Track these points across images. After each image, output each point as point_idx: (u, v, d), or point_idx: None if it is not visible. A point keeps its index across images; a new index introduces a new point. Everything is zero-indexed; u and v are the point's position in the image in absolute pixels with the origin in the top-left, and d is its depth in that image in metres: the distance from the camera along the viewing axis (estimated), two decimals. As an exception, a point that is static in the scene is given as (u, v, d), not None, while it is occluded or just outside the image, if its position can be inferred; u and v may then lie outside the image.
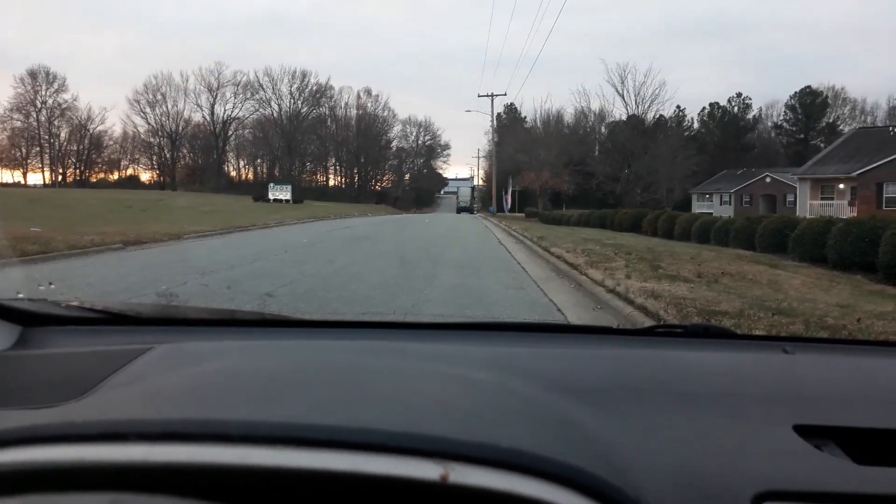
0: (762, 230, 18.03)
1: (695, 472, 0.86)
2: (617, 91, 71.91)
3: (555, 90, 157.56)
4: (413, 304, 7.51)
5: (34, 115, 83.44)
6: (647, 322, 6.31)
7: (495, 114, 77.38)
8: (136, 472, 0.74)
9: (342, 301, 7.66)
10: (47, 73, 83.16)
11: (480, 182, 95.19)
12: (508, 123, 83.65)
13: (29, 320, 1.37)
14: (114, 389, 1.01)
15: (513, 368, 1.16)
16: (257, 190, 66.73)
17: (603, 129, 77.08)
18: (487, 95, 69.17)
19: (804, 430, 0.99)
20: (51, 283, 7.88)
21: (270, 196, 62.06)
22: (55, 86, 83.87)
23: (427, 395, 0.97)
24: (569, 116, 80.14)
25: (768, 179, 54.32)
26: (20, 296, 1.44)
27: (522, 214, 57.15)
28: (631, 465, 0.85)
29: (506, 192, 71.30)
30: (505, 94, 77.20)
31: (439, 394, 0.98)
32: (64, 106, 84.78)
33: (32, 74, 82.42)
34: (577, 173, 65.07)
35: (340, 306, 7.31)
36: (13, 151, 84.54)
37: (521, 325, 1.69)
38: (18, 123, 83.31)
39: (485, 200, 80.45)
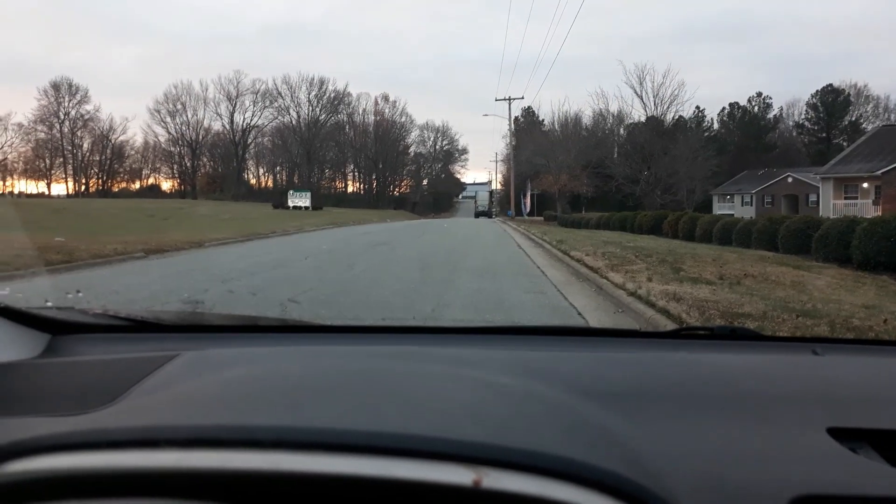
0: (785, 231, 17.80)
1: (728, 477, 0.86)
2: (635, 92, 71.55)
3: (572, 93, 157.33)
4: (432, 309, 7.50)
5: (57, 127, 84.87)
6: (670, 325, 6.26)
7: (513, 117, 77.56)
8: (168, 479, 0.75)
9: (362, 306, 7.67)
10: (70, 85, 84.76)
11: (499, 186, 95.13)
12: (526, 127, 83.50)
13: (57, 328, 1.38)
14: (143, 396, 1.02)
15: (538, 373, 1.16)
16: (277, 197, 67.19)
17: (622, 131, 76.65)
18: (505, 99, 69.34)
19: (838, 433, 0.97)
20: (78, 292, 7.95)
21: (290, 203, 62.49)
22: (78, 97, 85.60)
23: (456, 401, 0.96)
24: (587, 119, 79.87)
25: (790, 179, 53.67)
26: (48, 304, 1.45)
27: (541, 218, 57.02)
28: (663, 469, 0.84)
29: (524, 196, 71.21)
30: (522, 98, 77.58)
31: (468, 399, 0.98)
32: (86, 117, 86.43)
33: (55, 86, 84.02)
34: (595, 175, 64.78)
35: (360, 312, 7.32)
36: (37, 162, 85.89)
37: (544, 328, 1.68)
38: (42, 135, 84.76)
39: (503, 204, 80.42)
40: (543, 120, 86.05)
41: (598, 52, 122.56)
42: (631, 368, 1.26)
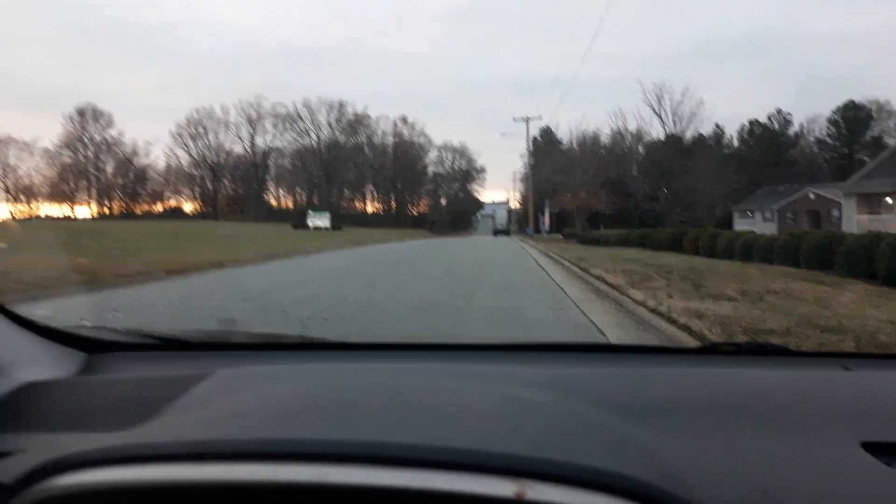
0: (807, 246, 17.61)
1: (765, 491, 0.86)
2: (654, 110, 71.56)
3: (590, 112, 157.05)
4: (452, 326, 7.50)
5: (82, 151, 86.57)
6: (692, 342, 6.22)
7: (531, 137, 77.67)
8: (216, 491, 0.77)
9: (382, 324, 7.68)
10: (94, 111, 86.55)
11: (517, 205, 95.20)
12: (544, 146, 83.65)
13: (93, 347, 1.40)
14: (181, 413, 1.04)
15: (570, 389, 1.17)
16: (296, 218, 67.72)
17: (640, 149, 76.54)
18: (522, 119, 69.46)
19: (872, 448, 0.97)
20: (116, 311, 8.04)
21: (309, 223, 62.94)
22: (102, 122, 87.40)
23: (494, 415, 0.97)
24: (605, 137, 79.94)
25: (812, 195, 53.04)
26: (85, 323, 1.48)
27: (560, 236, 56.80)
28: (700, 483, 0.85)
29: (542, 214, 71.13)
30: (540, 118, 77.47)
31: (506, 414, 0.99)
32: (110, 141, 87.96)
33: (81, 112, 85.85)
34: (614, 193, 64.62)
35: (381, 329, 7.33)
36: (62, 186, 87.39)
37: (571, 345, 1.68)
38: (67, 159, 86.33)
39: (521, 222, 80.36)
40: (562, 139, 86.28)
41: (616, 72, 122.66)
42: (662, 384, 1.26)
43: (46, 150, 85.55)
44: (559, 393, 1.13)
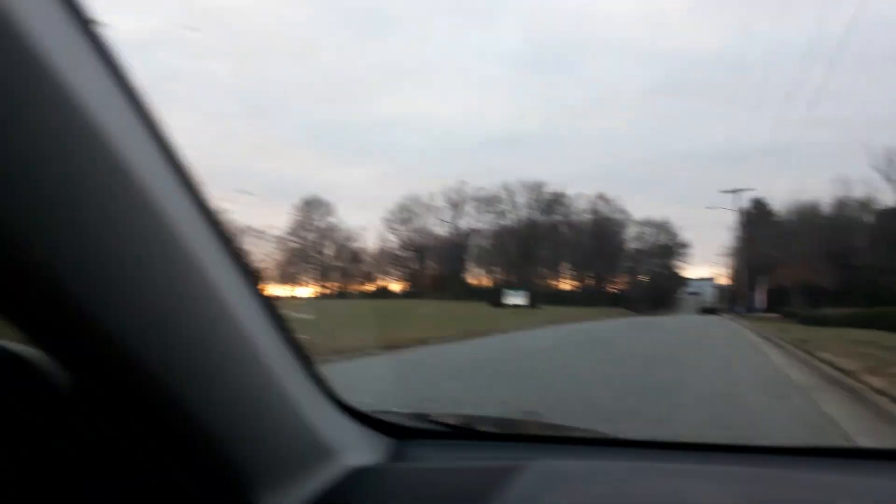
0: None
1: None
2: (883, 176, 65.03)
3: (807, 180, 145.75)
4: (663, 414, 7.23)
5: (306, 237, 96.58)
6: None
7: (741, 210, 73.77)
8: None
9: (588, 408, 7.55)
10: (318, 201, 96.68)
11: (725, 281, 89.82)
12: (756, 217, 78.61)
13: (396, 434, 1.41)
14: None
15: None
16: (494, 295, 68.87)
17: (868, 219, 69.56)
18: (730, 191, 66.21)
19: None
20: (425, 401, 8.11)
21: (506, 301, 63.68)
22: (323, 211, 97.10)
23: None
24: (825, 207, 73.71)
25: None
26: (393, 409, 1.50)
27: (776, 315, 52.54)
28: None
29: (755, 291, 66.42)
30: (753, 189, 73.40)
31: None
32: (331, 228, 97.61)
33: (307, 203, 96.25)
34: (838, 267, 59.00)
35: (586, 415, 7.21)
36: (289, 268, 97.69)
37: (856, 450, 1.55)
38: (294, 244, 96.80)
39: (730, 300, 75.54)
40: (775, 211, 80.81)
41: (836, 136, 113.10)
42: None
43: (277, 237, 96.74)
44: None
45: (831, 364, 11.49)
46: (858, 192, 72.24)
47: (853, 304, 47.57)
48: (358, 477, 1.15)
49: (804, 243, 61.43)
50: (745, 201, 79.89)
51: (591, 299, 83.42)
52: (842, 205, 71.75)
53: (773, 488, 1.15)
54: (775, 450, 1.46)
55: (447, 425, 1.51)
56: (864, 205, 70.01)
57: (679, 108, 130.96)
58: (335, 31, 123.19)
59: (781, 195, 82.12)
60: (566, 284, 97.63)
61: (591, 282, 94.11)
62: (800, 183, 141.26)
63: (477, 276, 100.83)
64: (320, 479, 1.09)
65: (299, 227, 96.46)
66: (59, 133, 0.49)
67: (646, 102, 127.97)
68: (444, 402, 7.70)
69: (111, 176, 0.56)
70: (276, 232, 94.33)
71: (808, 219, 70.88)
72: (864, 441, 6.01)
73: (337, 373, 10.62)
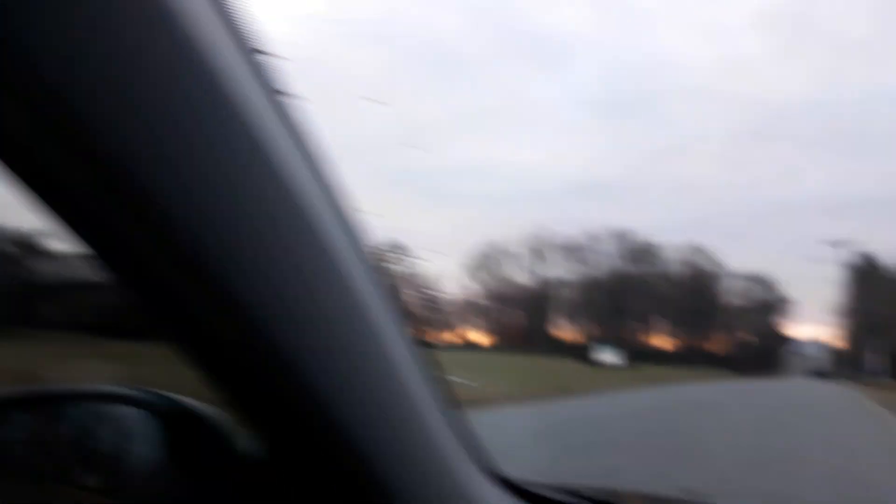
0: None
1: None
2: None
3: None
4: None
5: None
6: None
7: (847, 263, 69.51)
8: None
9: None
10: (397, 245, 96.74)
11: (834, 341, 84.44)
12: (866, 273, 73.84)
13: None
14: None
15: None
16: (582, 351, 66.38)
17: None
18: (832, 244, 62.46)
19: None
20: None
21: (597, 358, 61.11)
22: (398, 253, 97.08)
23: None
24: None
25: None
26: (542, 481, 1.35)
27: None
28: None
29: (868, 352, 61.85)
30: (855, 241, 69.19)
31: None
32: (408, 273, 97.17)
33: (391, 246, 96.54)
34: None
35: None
36: None
37: None
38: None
39: (841, 363, 70.76)
40: (887, 264, 75.65)
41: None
42: None
43: None
44: None
45: None
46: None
47: None
48: None
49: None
50: (848, 255, 75.60)
51: (688, 358, 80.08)
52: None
53: None
54: None
55: (584, 498, 1.37)
56: None
57: (774, 152, 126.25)
58: (408, 72, 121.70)
59: (889, 249, 77.38)
60: (660, 341, 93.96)
61: (687, 340, 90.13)
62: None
63: (563, 329, 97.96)
64: None
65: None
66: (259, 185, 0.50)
67: (738, 146, 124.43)
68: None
69: (313, 246, 0.56)
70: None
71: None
72: None
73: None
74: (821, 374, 69.25)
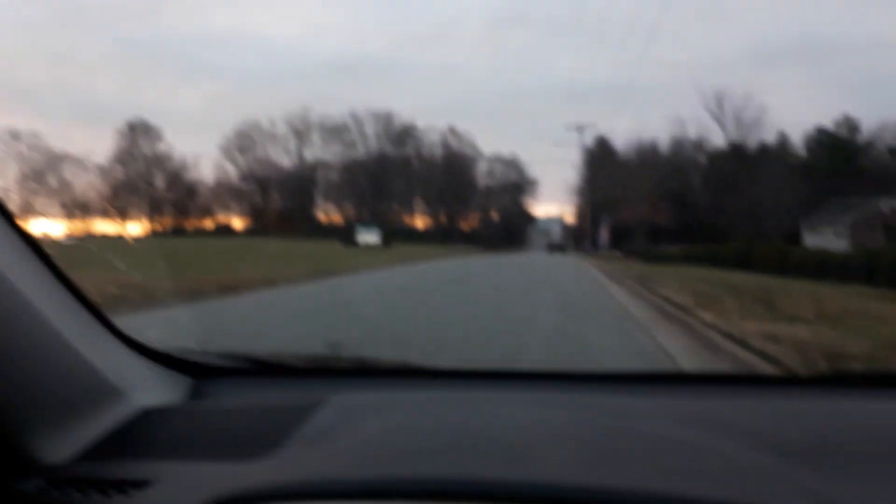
0: (885, 265, 16.74)
1: None
2: (714, 118, 69.80)
3: (647, 119, 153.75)
4: (513, 350, 7.31)
5: (133, 166, 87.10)
6: (767, 368, 5.98)
7: (586, 147, 76.53)
8: None
9: (440, 347, 7.50)
10: (144, 126, 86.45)
11: (571, 219, 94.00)
12: (600, 156, 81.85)
13: (198, 372, 1.41)
14: (313, 444, 1.05)
15: (705, 424, 1.14)
16: (345, 234, 67.50)
17: (702, 159, 74.56)
18: (575, 128, 68.37)
19: None
20: (215, 342, 7.90)
21: (358, 240, 62.86)
22: (152, 136, 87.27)
23: (658, 457, 0.96)
24: (664, 147, 78.00)
25: (886, 207, 50.82)
26: (192, 347, 1.48)
27: (619, 252, 55.76)
28: None
29: (600, 229, 69.99)
30: (595, 126, 76.11)
31: (659, 453, 0.98)
32: (160, 156, 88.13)
33: (131, 127, 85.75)
34: (676, 206, 63.16)
35: (439, 352, 7.14)
36: (114, 201, 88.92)
37: (684, 375, 1.72)
38: (118, 174, 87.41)
39: (577, 238, 79.23)
40: (618, 148, 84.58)
41: (673, 78, 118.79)
42: (796, 418, 1.21)
43: (99, 166, 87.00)
44: (692, 427, 1.10)
45: (668, 300, 12.13)
46: (692, 133, 77.21)
47: (689, 241, 51.34)
48: (149, 416, 1.16)
49: (644, 182, 64.96)
50: (589, 139, 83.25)
51: (444, 237, 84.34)
52: (678, 145, 76.22)
53: (586, 412, 1.19)
54: (594, 377, 1.57)
55: (255, 362, 1.50)
56: (698, 146, 74.87)
57: (525, 41, 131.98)
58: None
59: (622, 134, 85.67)
60: (420, 222, 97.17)
61: (444, 219, 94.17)
62: (639, 122, 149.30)
63: (327, 212, 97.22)
64: (107, 419, 1.10)
65: (125, 155, 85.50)
66: None
67: (493, 34, 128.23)
68: (286, 345, 7.33)
69: None
70: (98, 160, 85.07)
71: (647, 158, 74.84)
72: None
73: (174, 317, 10.00)
74: (559, 248, 77.49)
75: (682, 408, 1.25)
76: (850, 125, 76.44)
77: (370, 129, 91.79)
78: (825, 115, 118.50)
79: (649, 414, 1.20)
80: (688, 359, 7.03)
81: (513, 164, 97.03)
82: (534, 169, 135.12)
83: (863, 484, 0.95)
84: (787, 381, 1.71)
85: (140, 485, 0.96)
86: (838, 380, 1.60)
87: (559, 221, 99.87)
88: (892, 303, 12.04)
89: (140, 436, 1.11)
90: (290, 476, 0.90)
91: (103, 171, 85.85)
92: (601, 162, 79.14)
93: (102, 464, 1.02)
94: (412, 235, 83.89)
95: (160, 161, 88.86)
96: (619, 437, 1.06)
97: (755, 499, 0.83)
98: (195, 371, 1.41)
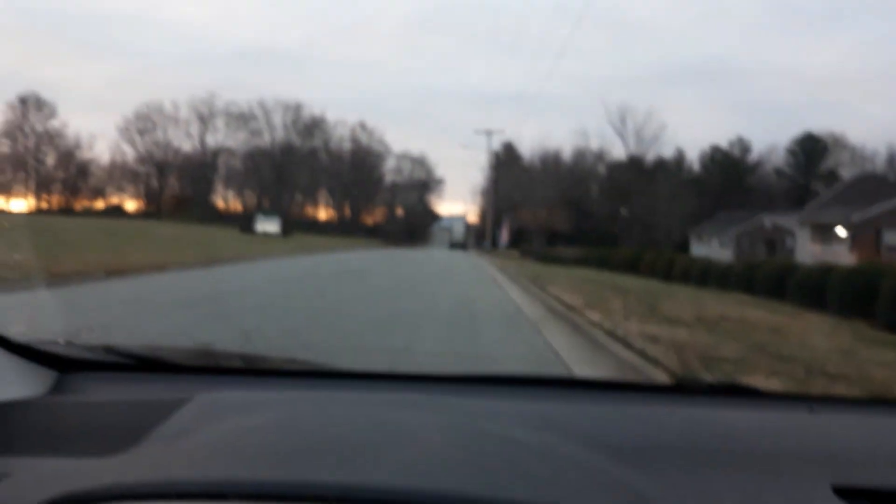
0: (762, 276, 17.80)
1: None
2: (616, 131, 72.51)
3: (553, 129, 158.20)
4: (406, 345, 7.31)
5: (22, 141, 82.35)
6: (647, 367, 6.18)
7: (493, 151, 77.85)
8: None
9: (331, 339, 7.46)
10: (37, 100, 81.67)
11: (475, 219, 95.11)
12: (505, 160, 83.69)
13: (63, 365, 1.38)
14: (166, 442, 1.03)
15: (554, 427, 1.18)
16: (245, 221, 65.74)
17: (602, 169, 77.28)
18: (484, 132, 69.49)
19: (843, 492, 1.00)
20: (92, 330, 7.41)
21: (258, 228, 61.25)
22: (45, 112, 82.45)
23: (496, 459, 1.00)
24: (567, 156, 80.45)
25: (768, 223, 53.95)
26: (58, 340, 1.45)
27: (517, 252, 56.91)
28: None
29: (500, 229, 71.28)
30: (503, 132, 77.65)
31: (505, 456, 1.02)
32: (52, 133, 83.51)
33: (23, 100, 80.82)
34: (574, 212, 65.05)
35: (332, 344, 7.14)
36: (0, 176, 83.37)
37: (546, 379, 1.68)
38: (5, 148, 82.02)
39: (478, 237, 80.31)
40: (523, 155, 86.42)
41: (580, 91, 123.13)
42: (640, 424, 1.27)
43: None
44: (544, 431, 1.14)
45: (559, 299, 12.46)
46: (595, 145, 79.93)
47: (584, 245, 52.92)
48: (4, 411, 1.14)
49: (546, 188, 66.66)
50: (497, 144, 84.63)
51: (347, 230, 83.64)
52: (580, 155, 78.75)
53: (443, 414, 1.21)
54: (464, 379, 1.57)
55: (127, 356, 1.47)
56: (599, 157, 77.52)
57: (440, 44, 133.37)
58: None
59: (528, 141, 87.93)
60: (323, 213, 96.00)
61: (348, 212, 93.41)
62: (545, 130, 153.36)
63: (227, 200, 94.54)
64: None
65: (14, 129, 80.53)
66: None
67: (409, 35, 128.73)
68: (170, 336, 7.06)
69: None
70: None
71: (550, 166, 76.93)
72: (579, 367, 6.51)
73: (54, 298, 9.48)
74: (460, 245, 78.40)
75: (528, 409, 1.30)
76: (743, 145, 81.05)
77: (278, 119, 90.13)
78: (721, 135, 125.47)
79: (506, 416, 1.23)
80: (572, 354, 7.25)
81: (421, 163, 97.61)
82: (441, 169, 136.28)
83: (690, 485, 1.00)
84: (646, 389, 1.79)
85: None
86: (693, 388, 1.67)
87: (462, 220, 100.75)
88: (767, 310, 12.78)
89: None
90: (139, 474, 0.90)
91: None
92: (507, 166, 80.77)
93: None
94: (315, 227, 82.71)
95: (52, 137, 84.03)
96: (463, 438, 1.09)
97: (570, 498, 0.88)
98: (60, 364, 1.37)
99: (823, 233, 40.19)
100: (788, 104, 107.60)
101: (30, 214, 71.82)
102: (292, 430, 1.09)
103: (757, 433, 1.28)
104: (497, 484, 0.89)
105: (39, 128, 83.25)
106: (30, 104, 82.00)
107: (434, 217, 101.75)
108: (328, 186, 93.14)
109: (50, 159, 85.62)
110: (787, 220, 48.00)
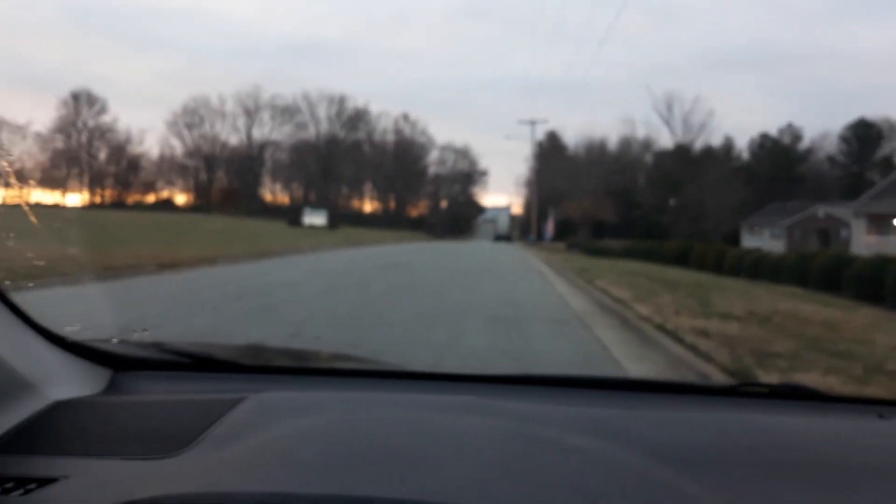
0: (816, 268, 17.32)
1: None
2: (663, 119, 71.13)
3: (598, 118, 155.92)
4: (449, 338, 7.31)
5: (75, 137, 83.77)
6: (699, 362, 6.08)
7: (536, 142, 77.19)
8: None
9: (377, 332, 7.53)
10: (89, 96, 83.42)
11: (519, 210, 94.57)
12: (550, 151, 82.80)
13: (118, 363, 1.39)
14: (219, 445, 1.03)
15: (608, 432, 1.16)
16: (292, 214, 66.68)
17: (648, 158, 76.00)
18: (528, 122, 68.91)
19: None
20: (145, 330, 7.62)
21: (305, 221, 62.11)
22: (96, 108, 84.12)
23: (551, 470, 0.98)
24: (613, 145, 79.29)
25: (821, 213, 52.49)
26: (113, 340, 1.47)
27: (563, 244, 56.42)
28: None
29: (546, 221, 70.71)
30: (547, 121, 76.90)
31: (563, 467, 1.00)
32: (104, 128, 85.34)
33: (75, 97, 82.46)
34: (620, 203, 64.20)
35: (378, 337, 7.19)
36: (54, 171, 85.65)
37: (599, 380, 1.62)
38: (60, 144, 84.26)
39: (523, 229, 79.84)
40: (568, 145, 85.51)
41: (625, 78, 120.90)
42: (701, 430, 1.24)
43: (39, 134, 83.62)
44: (597, 436, 1.12)
45: (606, 292, 12.33)
46: (641, 133, 78.59)
47: (631, 237, 52.23)
48: (62, 410, 1.14)
49: (591, 178, 65.85)
50: (540, 134, 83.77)
51: (392, 222, 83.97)
52: (626, 144, 77.54)
53: (495, 419, 1.19)
54: (515, 380, 1.54)
55: (179, 354, 1.48)
56: (645, 145, 76.25)
57: (483, 33, 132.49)
58: None
59: (573, 130, 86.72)
60: (368, 206, 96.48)
61: (393, 205, 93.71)
62: (590, 119, 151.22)
63: (274, 193, 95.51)
64: (15, 413, 1.08)
65: (67, 125, 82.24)
66: None
67: (452, 24, 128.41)
68: (222, 328, 7.20)
69: None
70: (38, 128, 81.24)
71: (595, 155, 75.94)
72: (629, 363, 6.42)
73: (108, 292, 9.74)
74: (504, 237, 78.05)
75: (582, 413, 1.28)
76: (793, 133, 78.85)
77: (322, 112, 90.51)
78: (770, 122, 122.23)
79: (560, 421, 1.21)
80: (621, 349, 7.16)
81: (464, 154, 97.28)
82: (485, 160, 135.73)
83: (755, 498, 0.97)
84: (705, 391, 1.75)
85: (47, 482, 0.94)
86: (748, 391, 1.63)
87: (507, 212, 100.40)
88: (821, 304, 12.45)
89: (51, 431, 1.09)
90: (193, 483, 0.91)
91: (43, 140, 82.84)
92: (551, 156, 79.98)
93: (9, 460, 1.00)
94: (360, 219, 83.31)
95: (103, 133, 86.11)
96: (518, 447, 1.08)
97: None
98: (114, 363, 1.38)
99: (880, 223, 38.86)
100: (840, 89, 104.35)
101: (83, 209, 73.82)
102: (344, 437, 1.09)
103: (823, 441, 1.23)
104: (555, 500, 0.88)
105: (91, 123, 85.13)
106: (82, 100, 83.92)
107: (478, 209, 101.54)
108: (373, 179, 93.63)
109: (102, 154, 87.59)
110: (841, 211, 46.65)
